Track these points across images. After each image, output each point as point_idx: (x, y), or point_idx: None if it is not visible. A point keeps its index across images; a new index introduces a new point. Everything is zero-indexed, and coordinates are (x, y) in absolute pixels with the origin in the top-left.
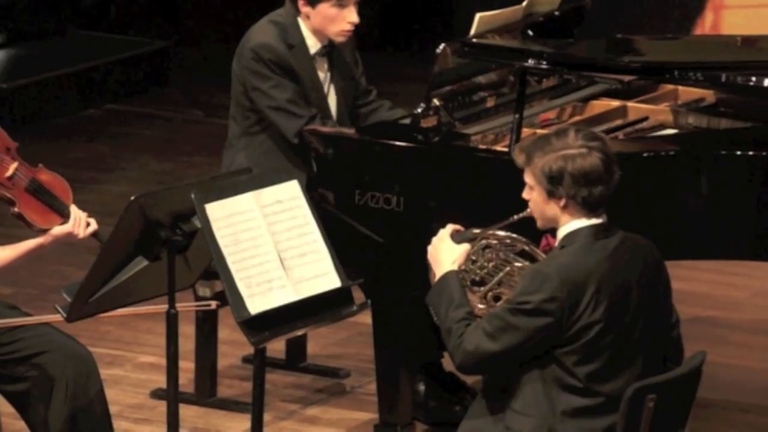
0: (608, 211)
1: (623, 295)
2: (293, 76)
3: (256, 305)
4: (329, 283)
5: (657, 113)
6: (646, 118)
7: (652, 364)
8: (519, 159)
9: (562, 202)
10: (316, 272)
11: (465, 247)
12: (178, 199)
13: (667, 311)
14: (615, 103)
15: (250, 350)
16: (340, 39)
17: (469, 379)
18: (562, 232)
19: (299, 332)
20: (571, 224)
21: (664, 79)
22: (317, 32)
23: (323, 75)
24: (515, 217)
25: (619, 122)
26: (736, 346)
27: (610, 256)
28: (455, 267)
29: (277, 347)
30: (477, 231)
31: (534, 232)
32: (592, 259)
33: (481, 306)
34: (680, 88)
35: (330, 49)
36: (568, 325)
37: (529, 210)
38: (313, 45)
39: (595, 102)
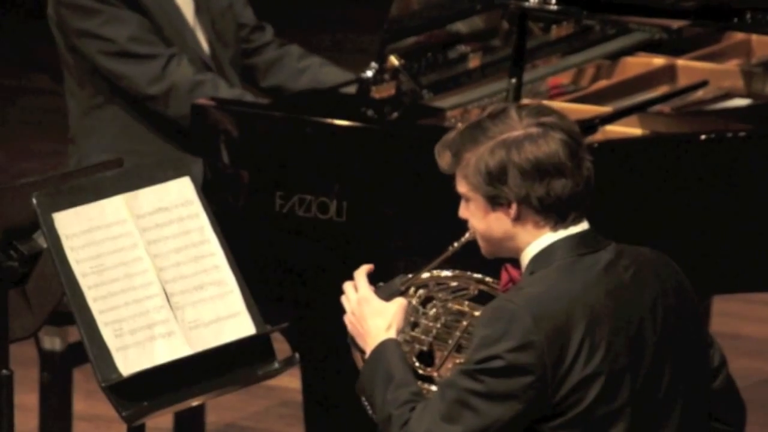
0: (641, 225)
1: (633, 332)
2: (134, 2)
3: (129, 363)
4: (239, 330)
5: (721, 76)
6: (705, 83)
7: (691, 429)
8: (442, 161)
9: (513, 211)
10: (220, 314)
11: (399, 303)
12: (12, 206)
13: (703, 348)
14: (659, 61)
15: (120, 429)
16: None
17: None
18: (527, 255)
19: (194, 402)
20: (537, 242)
21: (731, 25)
22: None
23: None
24: (455, 244)
25: (665, 89)
26: None
27: (602, 277)
28: (392, 334)
29: (162, 423)
30: (408, 276)
31: (496, 262)
32: (575, 284)
33: (435, 388)
34: (755, 38)
35: None
36: (556, 384)
37: (471, 232)
38: None
39: (629, 59)
